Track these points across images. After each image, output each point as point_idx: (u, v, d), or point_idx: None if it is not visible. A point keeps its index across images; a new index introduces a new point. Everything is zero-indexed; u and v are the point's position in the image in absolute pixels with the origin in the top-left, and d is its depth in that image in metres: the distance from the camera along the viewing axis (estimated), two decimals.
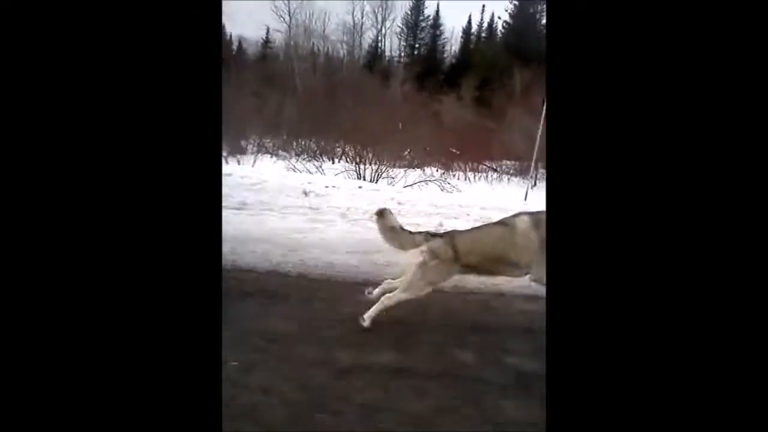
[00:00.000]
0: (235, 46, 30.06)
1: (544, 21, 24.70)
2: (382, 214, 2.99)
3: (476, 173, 15.91)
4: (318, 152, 14.69)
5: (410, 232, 3.00)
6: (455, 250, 2.85)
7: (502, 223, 2.98)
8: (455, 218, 5.32)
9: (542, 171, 12.83)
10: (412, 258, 2.90)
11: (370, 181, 10.94)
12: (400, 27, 31.82)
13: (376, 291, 3.04)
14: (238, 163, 11.93)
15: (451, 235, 2.98)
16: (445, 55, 32.01)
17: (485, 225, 3.23)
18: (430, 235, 2.96)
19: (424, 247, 2.87)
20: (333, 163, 13.55)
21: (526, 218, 2.86)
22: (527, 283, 3.02)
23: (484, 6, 31.39)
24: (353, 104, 15.79)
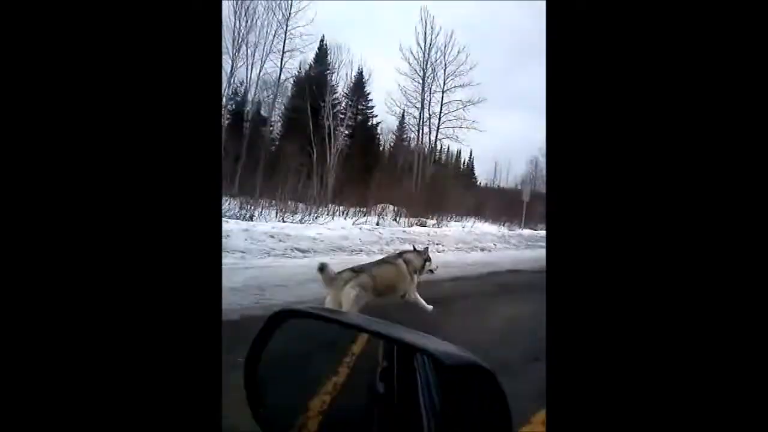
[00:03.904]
0: None
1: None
2: (323, 269, 4.22)
3: None
4: None
5: (339, 274, 4.29)
6: (374, 280, 4.28)
7: (388, 261, 4.75)
8: None
9: None
10: (345, 293, 4.10)
11: None
12: None
13: None
14: None
15: (368, 270, 4.38)
16: None
17: (379, 262, 4.85)
18: (353, 272, 4.27)
19: (353, 284, 4.11)
20: None
21: (400, 260, 4.64)
22: None
23: None
24: None
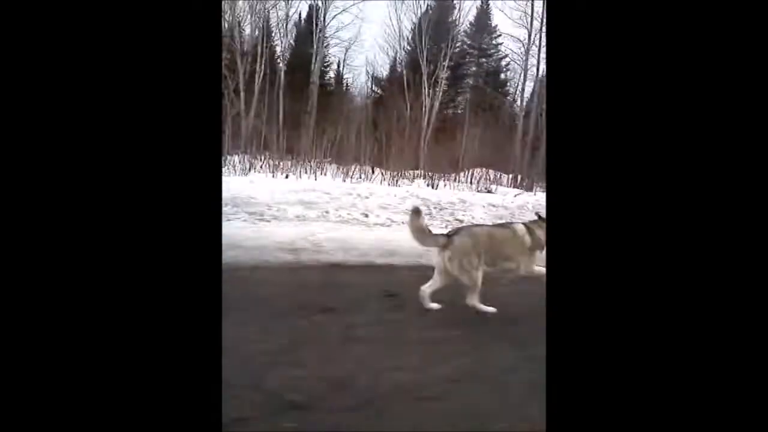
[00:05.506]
0: None
1: None
2: (417, 212, 3.57)
3: None
4: None
5: (433, 233, 3.62)
6: (475, 243, 3.48)
7: (504, 226, 3.86)
8: None
9: None
10: (443, 259, 3.45)
11: None
12: None
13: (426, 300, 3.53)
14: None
15: (469, 231, 3.68)
16: None
17: (494, 225, 4.06)
18: (449, 236, 3.54)
19: (449, 252, 3.41)
20: None
21: (521, 226, 3.70)
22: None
23: None
24: None
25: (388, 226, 7.25)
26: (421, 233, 3.54)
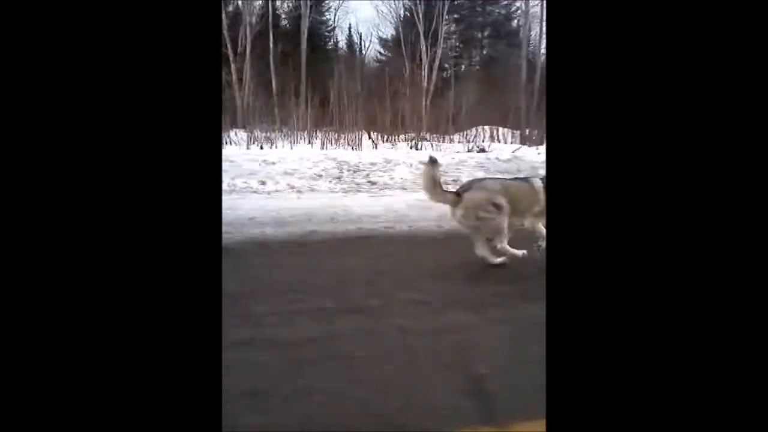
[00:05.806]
0: None
1: None
2: (433, 162, 3.47)
3: None
4: None
5: (443, 189, 3.59)
6: (490, 194, 3.45)
7: (523, 180, 3.75)
8: None
9: None
10: (457, 218, 3.52)
11: None
12: None
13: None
14: None
15: (480, 183, 3.58)
16: None
17: (510, 179, 3.93)
18: (458, 194, 3.49)
19: (461, 210, 3.45)
20: None
21: (539, 181, 3.60)
22: None
23: None
24: None
25: (274, 192, 7.11)
26: (432, 185, 3.47)
